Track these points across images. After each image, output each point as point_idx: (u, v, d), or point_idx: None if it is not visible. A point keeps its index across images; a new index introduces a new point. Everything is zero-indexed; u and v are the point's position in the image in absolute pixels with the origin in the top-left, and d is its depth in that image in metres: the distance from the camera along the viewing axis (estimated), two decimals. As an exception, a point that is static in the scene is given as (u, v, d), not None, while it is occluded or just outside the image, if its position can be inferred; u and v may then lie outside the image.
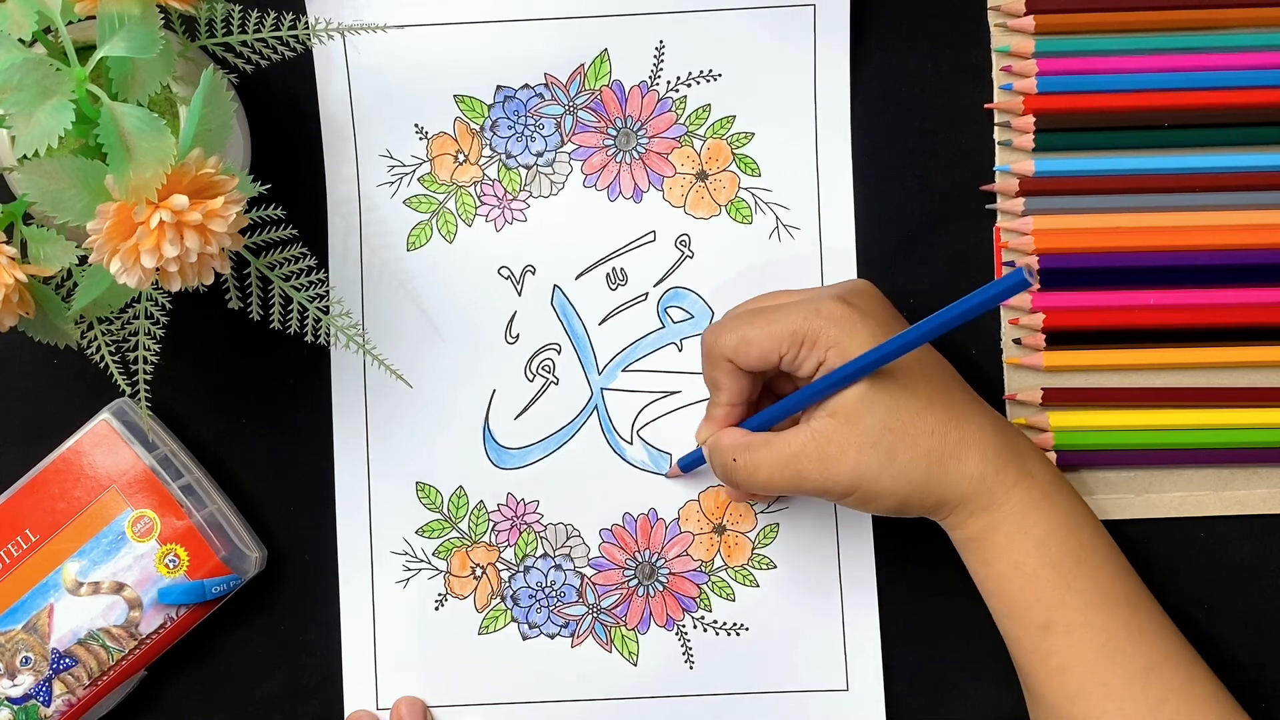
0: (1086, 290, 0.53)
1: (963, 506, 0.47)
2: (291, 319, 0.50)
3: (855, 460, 0.46)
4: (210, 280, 0.41)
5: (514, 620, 0.54)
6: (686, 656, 0.53)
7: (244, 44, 0.48)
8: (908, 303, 0.54)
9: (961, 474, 0.46)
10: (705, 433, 0.51)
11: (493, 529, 0.54)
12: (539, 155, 0.54)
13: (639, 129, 0.54)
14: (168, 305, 0.47)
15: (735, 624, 0.53)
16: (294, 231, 0.48)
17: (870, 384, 0.46)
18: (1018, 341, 0.54)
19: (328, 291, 0.52)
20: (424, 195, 0.54)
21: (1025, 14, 0.53)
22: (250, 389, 0.54)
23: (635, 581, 0.54)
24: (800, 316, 0.47)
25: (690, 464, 0.53)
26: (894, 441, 0.46)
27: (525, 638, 0.53)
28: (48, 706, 0.50)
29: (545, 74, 0.54)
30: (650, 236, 0.54)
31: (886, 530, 0.54)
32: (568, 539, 0.54)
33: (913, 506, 0.47)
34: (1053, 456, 0.53)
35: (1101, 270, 0.53)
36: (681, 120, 0.54)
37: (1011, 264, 0.53)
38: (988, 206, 0.54)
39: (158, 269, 0.40)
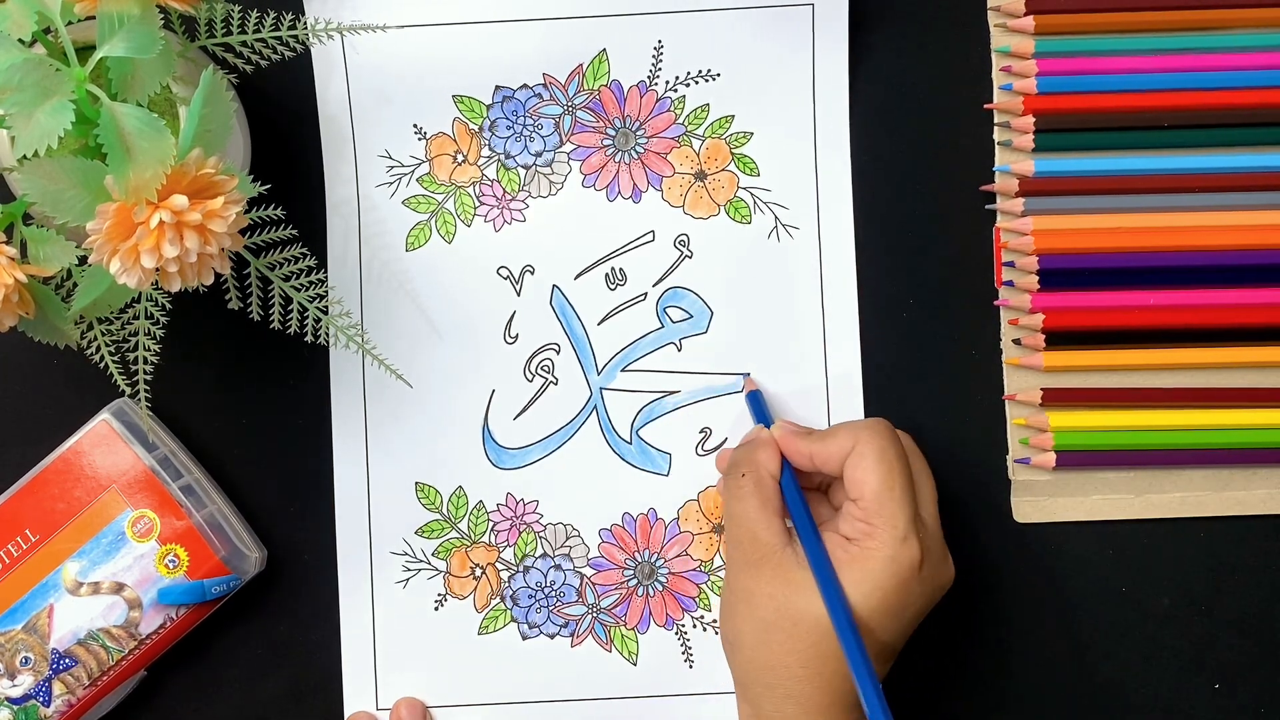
0: (1086, 291, 0.53)
1: (756, 716, 0.47)
2: (291, 319, 0.50)
3: (760, 595, 0.46)
4: (210, 280, 0.41)
5: (514, 620, 0.54)
6: (686, 656, 0.53)
7: (243, 44, 0.48)
8: (907, 303, 0.54)
9: (777, 704, 0.46)
10: (777, 430, 0.49)
11: (492, 529, 0.54)
12: (538, 155, 0.54)
13: (638, 129, 0.54)
14: (168, 305, 0.47)
15: (735, 624, 0.53)
16: (294, 232, 0.48)
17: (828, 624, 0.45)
18: (1018, 342, 0.53)
19: (327, 292, 0.52)
20: (423, 195, 0.54)
21: (1025, 14, 0.53)
22: (250, 389, 0.54)
23: (635, 581, 0.54)
24: (896, 523, 0.45)
25: (755, 406, 0.52)
26: (784, 631, 0.45)
27: (525, 638, 0.53)
28: (47, 707, 0.50)
29: (544, 74, 0.54)
30: (649, 236, 0.54)
31: (886, 530, 0.54)
32: (567, 539, 0.54)
33: (735, 660, 0.47)
34: (1053, 457, 0.53)
35: (1101, 270, 0.53)
36: (680, 120, 0.54)
37: (1012, 263, 0.53)
38: (987, 207, 0.54)
39: (157, 269, 0.40)
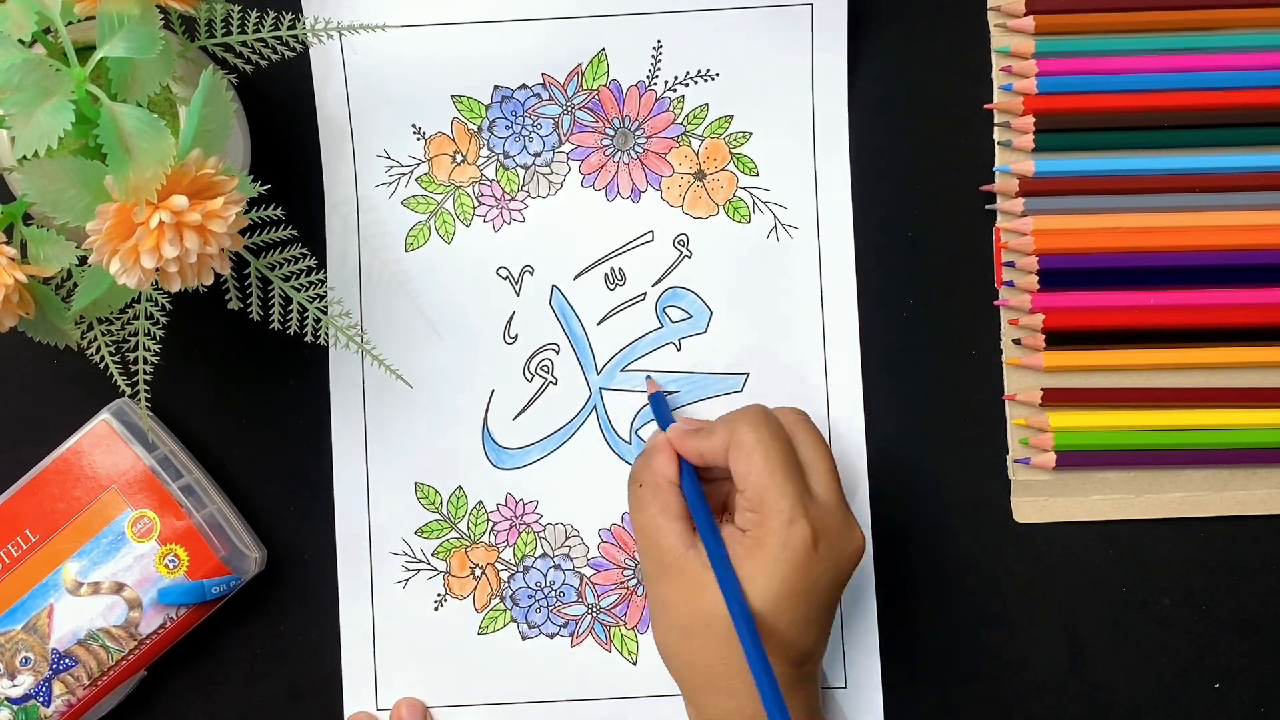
0: (1086, 291, 0.53)
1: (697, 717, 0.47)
2: (291, 319, 0.50)
3: (673, 601, 0.46)
4: (210, 280, 0.41)
5: (513, 620, 0.54)
6: (685, 656, 0.53)
7: (243, 44, 0.48)
8: (907, 303, 0.54)
9: (715, 704, 0.46)
10: (673, 435, 0.49)
11: (492, 529, 0.54)
12: (537, 155, 0.54)
13: (637, 129, 0.54)
14: (168, 305, 0.47)
15: (734, 624, 0.53)
16: (293, 232, 0.48)
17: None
18: (1018, 342, 0.53)
19: (327, 292, 0.52)
20: (422, 196, 0.54)
21: (1025, 14, 0.53)
22: (250, 389, 0.54)
23: (635, 581, 0.54)
24: (781, 507, 0.45)
25: (657, 409, 0.52)
26: (702, 633, 0.45)
27: (524, 638, 0.53)
28: (47, 707, 0.50)
29: (543, 74, 0.54)
30: (648, 236, 0.54)
31: (886, 531, 0.53)
32: (567, 539, 0.54)
33: (669, 667, 0.47)
34: (1053, 457, 0.53)
35: (1101, 270, 0.53)
36: (679, 120, 0.54)
37: (1012, 263, 0.53)
38: (987, 207, 0.54)
39: (157, 269, 0.40)
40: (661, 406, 0.52)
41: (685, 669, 0.47)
